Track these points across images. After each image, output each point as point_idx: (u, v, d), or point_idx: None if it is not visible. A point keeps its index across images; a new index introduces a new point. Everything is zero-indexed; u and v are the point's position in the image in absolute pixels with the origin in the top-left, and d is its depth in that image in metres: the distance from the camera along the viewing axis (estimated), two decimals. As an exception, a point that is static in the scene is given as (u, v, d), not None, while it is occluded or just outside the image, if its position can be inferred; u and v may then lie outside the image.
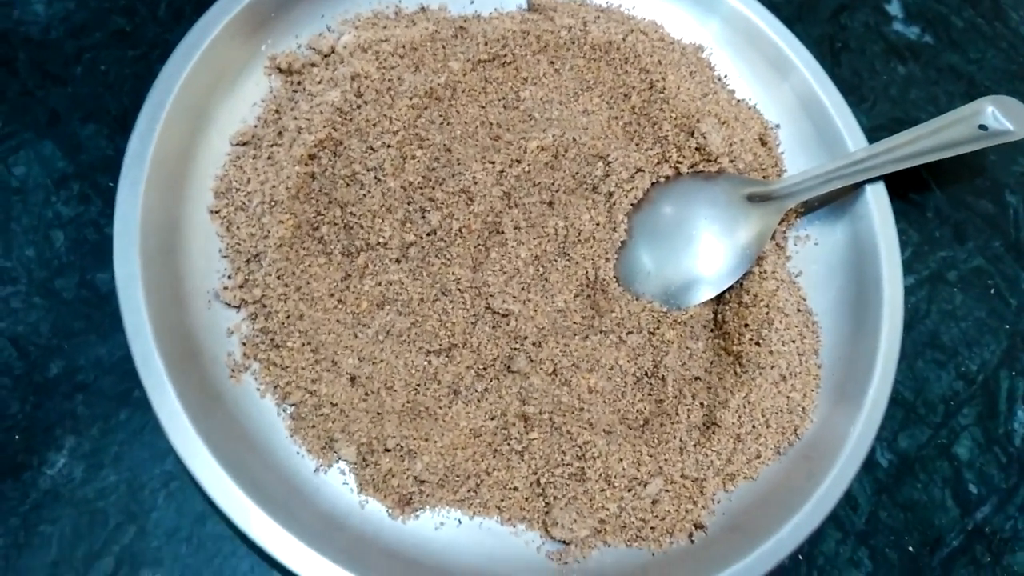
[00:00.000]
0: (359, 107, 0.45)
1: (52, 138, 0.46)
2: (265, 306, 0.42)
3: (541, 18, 0.50)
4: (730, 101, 0.51)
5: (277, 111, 0.46)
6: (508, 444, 0.42)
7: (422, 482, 0.41)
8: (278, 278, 0.42)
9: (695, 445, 0.43)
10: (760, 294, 0.45)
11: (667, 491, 0.42)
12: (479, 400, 0.43)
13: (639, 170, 0.47)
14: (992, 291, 0.53)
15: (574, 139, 0.47)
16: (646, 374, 0.45)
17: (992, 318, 0.52)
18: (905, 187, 0.54)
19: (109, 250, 0.40)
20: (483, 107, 0.48)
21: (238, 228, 0.43)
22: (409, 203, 0.44)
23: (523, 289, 0.44)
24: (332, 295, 0.43)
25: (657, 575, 0.41)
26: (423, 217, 0.44)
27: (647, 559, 0.41)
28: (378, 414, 0.42)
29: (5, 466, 0.40)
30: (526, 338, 0.44)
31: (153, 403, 0.37)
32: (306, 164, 0.44)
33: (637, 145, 0.49)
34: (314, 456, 0.41)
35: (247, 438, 0.40)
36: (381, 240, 0.43)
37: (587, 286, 0.46)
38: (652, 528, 0.42)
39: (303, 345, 0.42)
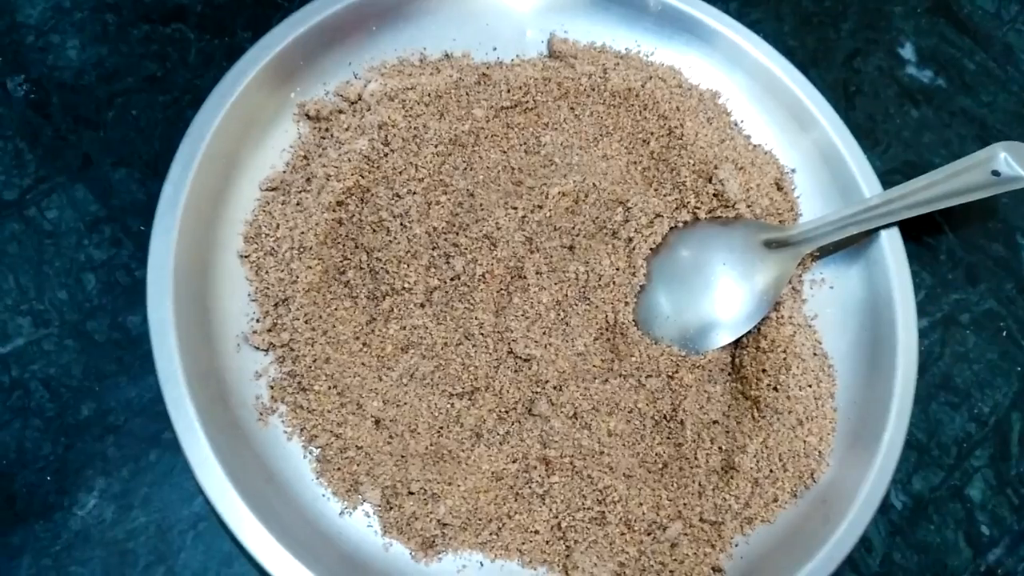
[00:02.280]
0: (386, 155, 0.46)
1: (84, 182, 0.47)
2: (293, 350, 0.43)
3: (562, 65, 0.51)
4: (747, 146, 0.52)
5: (306, 157, 0.47)
6: (529, 487, 0.43)
7: (445, 525, 0.41)
8: (306, 322, 0.43)
9: (713, 489, 0.44)
10: (777, 339, 0.46)
11: (686, 535, 0.43)
12: (501, 443, 0.44)
13: (658, 215, 0.48)
14: (1004, 333, 0.53)
15: (594, 185, 0.48)
16: (665, 418, 0.46)
17: (1004, 360, 0.52)
18: (918, 230, 0.54)
19: (140, 293, 0.41)
20: (505, 152, 0.49)
21: (267, 273, 0.44)
22: (434, 249, 0.45)
23: (544, 334, 0.45)
24: (358, 339, 0.44)
25: (676, 619, 0.42)
26: (447, 262, 0.45)
27: (666, 603, 0.42)
28: (402, 457, 0.42)
29: (37, 507, 0.41)
30: (547, 382, 0.44)
31: (183, 445, 0.38)
32: (334, 211, 0.45)
33: (656, 190, 0.49)
34: (339, 499, 0.42)
35: (274, 480, 0.41)
36: (406, 285, 0.44)
37: (607, 330, 0.46)
38: (671, 572, 0.42)
39: (329, 388, 0.43)
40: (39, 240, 0.46)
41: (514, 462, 0.43)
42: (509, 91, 0.49)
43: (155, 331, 0.40)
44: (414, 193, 0.45)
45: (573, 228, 0.47)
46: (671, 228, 0.49)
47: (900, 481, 0.48)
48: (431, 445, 0.43)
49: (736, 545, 0.44)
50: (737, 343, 0.48)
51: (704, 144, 0.49)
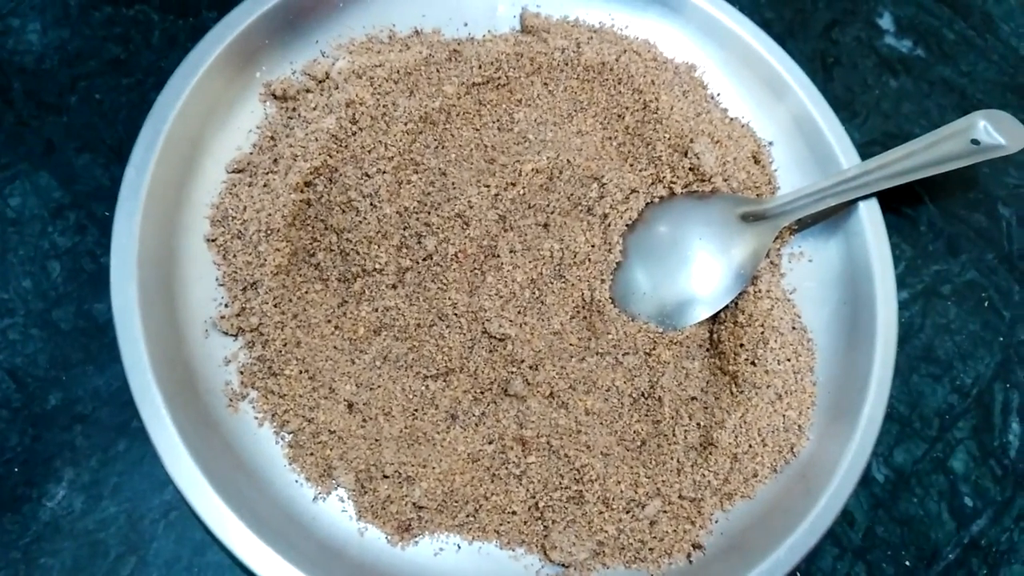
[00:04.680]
0: (354, 133, 0.45)
1: (47, 168, 0.46)
2: (262, 334, 0.42)
3: (534, 40, 0.50)
4: (723, 120, 0.51)
5: (272, 138, 0.46)
6: (506, 468, 0.42)
7: (421, 508, 0.41)
8: (275, 306, 0.43)
9: (692, 465, 0.43)
10: (755, 313, 0.45)
11: (665, 512, 0.42)
12: (476, 424, 0.43)
13: (633, 191, 0.47)
14: (986, 304, 0.53)
15: (568, 161, 0.47)
16: (643, 395, 0.45)
17: (986, 331, 0.52)
18: (898, 201, 0.54)
19: (106, 280, 0.40)
20: (478, 130, 0.48)
21: (235, 256, 0.43)
22: (405, 228, 0.44)
23: (519, 312, 0.45)
24: (329, 322, 0.44)
25: (656, 597, 0.41)
26: (419, 242, 0.44)
27: (646, 581, 0.42)
28: (376, 440, 0.42)
29: (5, 499, 0.40)
30: (523, 361, 0.44)
31: (151, 434, 0.38)
32: (301, 191, 0.44)
33: (631, 166, 0.49)
34: (312, 484, 0.41)
35: (245, 467, 0.40)
36: (377, 266, 0.43)
37: (583, 308, 0.46)
38: (651, 549, 0.42)
39: (300, 372, 0.42)
40: (2, 228, 0.45)
41: (490, 443, 0.43)
42: (480, 67, 0.48)
43: (120, 318, 0.39)
44: (384, 172, 0.44)
45: (547, 205, 0.47)
46: (647, 203, 0.48)
47: (882, 454, 0.48)
48: (405, 428, 0.42)
49: (716, 521, 0.43)
50: (715, 318, 0.47)
51: (680, 118, 0.49)
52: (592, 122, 0.50)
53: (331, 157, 0.44)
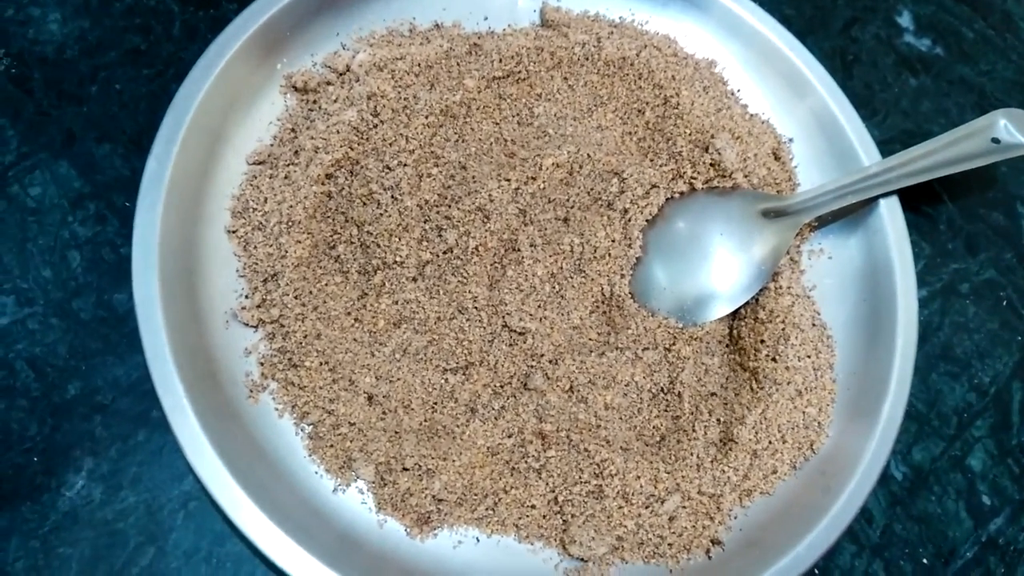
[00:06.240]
0: (375, 126, 0.45)
1: (68, 158, 0.46)
2: (283, 325, 0.42)
3: (555, 34, 0.50)
4: (744, 116, 0.51)
5: (293, 130, 0.46)
6: (525, 462, 0.42)
7: (440, 501, 0.41)
8: (295, 297, 0.42)
9: (712, 461, 0.43)
10: (776, 310, 0.45)
11: (684, 507, 0.42)
12: (496, 418, 0.43)
13: (654, 186, 0.47)
14: (1004, 303, 0.53)
15: (589, 155, 0.47)
16: (662, 390, 0.45)
17: (1004, 330, 0.52)
18: (917, 199, 0.54)
19: (126, 270, 0.40)
20: (498, 124, 0.48)
21: (255, 248, 0.43)
22: (426, 221, 0.44)
23: (539, 307, 0.45)
24: (349, 314, 0.44)
25: (675, 592, 0.41)
26: (440, 235, 0.44)
27: (665, 576, 0.41)
28: (396, 433, 0.42)
29: (24, 488, 0.40)
30: (543, 355, 0.44)
31: (172, 424, 0.38)
32: (323, 184, 0.44)
33: (652, 161, 0.49)
34: (332, 476, 0.41)
35: (265, 458, 0.40)
36: (398, 259, 0.43)
37: (603, 303, 0.46)
38: (670, 544, 0.42)
39: (321, 364, 0.42)
40: (22, 217, 0.45)
41: (509, 437, 0.43)
42: (501, 61, 0.48)
43: (141, 308, 0.39)
44: (405, 165, 0.44)
45: (567, 200, 0.47)
46: (667, 199, 0.48)
47: (900, 452, 0.48)
48: (425, 421, 0.42)
49: (735, 517, 0.43)
50: (735, 314, 0.47)
51: (700, 113, 0.48)
52: (612, 117, 0.50)
53: (352, 150, 0.44)
